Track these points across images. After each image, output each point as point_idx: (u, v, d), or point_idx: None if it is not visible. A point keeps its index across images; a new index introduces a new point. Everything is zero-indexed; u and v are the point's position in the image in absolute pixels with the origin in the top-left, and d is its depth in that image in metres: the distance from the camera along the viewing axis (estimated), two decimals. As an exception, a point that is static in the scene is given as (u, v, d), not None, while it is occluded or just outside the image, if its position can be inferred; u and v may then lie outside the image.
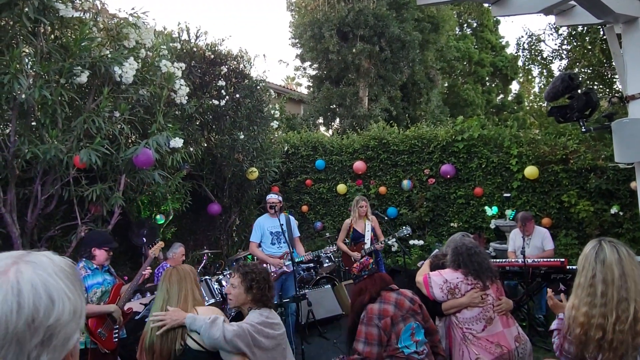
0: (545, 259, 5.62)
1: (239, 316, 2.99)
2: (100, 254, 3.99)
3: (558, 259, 5.49)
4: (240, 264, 2.95)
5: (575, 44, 11.53)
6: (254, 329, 2.53)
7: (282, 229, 5.53)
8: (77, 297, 0.84)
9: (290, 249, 5.65)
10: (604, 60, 10.77)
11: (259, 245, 5.77)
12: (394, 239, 6.31)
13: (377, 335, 2.81)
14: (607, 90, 11.43)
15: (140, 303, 5.01)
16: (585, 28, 10.47)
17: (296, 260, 5.55)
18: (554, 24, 11.78)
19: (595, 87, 11.71)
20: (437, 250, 4.68)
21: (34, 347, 0.75)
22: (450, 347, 3.26)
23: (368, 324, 2.84)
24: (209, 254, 6.99)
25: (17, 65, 3.98)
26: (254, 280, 2.76)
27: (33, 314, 0.76)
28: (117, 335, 3.93)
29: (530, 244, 6.05)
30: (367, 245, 6.13)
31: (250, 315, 2.70)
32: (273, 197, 5.78)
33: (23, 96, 4.11)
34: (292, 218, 5.98)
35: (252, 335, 2.51)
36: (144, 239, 6.35)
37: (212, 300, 5.61)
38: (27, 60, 4.22)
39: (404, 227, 6.21)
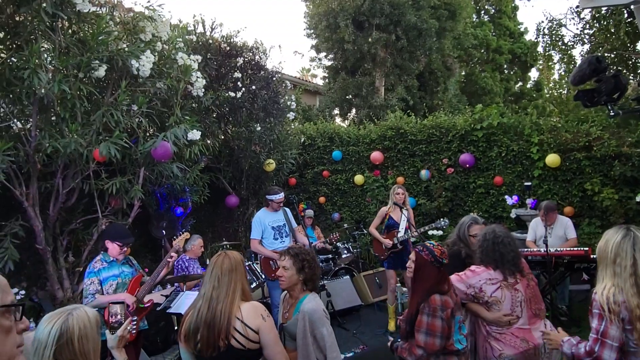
0: (568, 248, 5.52)
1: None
2: (113, 248, 3.99)
3: (582, 248, 5.38)
4: (288, 246, 3.03)
5: (598, 27, 11.20)
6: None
7: (286, 220, 5.60)
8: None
9: (307, 240, 5.63)
10: (628, 44, 10.46)
11: (260, 242, 5.61)
12: (429, 230, 6.25)
13: (441, 327, 2.70)
14: (632, 75, 11.11)
15: (161, 295, 5.06)
16: (610, 10, 10.17)
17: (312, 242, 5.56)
18: (577, 7, 11.47)
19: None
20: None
21: None
22: (474, 344, 3.20)
23: (433, 314, 2.71)
24: (228, 246, 7.03)
25: (37, 60, 4.01)
26: (305, 260, 2.87)
27: None
28: (135, 326, 3.95)
29: (553, 233, 5.94)
30: (401, 234, 6.06)
31: (311, 302, 2.83)
32: (281, 196, 5.65)
33: (43, 91, 4.16)
34: (288, 210, 5.90)
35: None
36: (164, 231, 6.41)
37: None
38: (46, 55, 4.25)
39: (441, 219, 6.10)
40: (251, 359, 2.46)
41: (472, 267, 3.22)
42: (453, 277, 3.20)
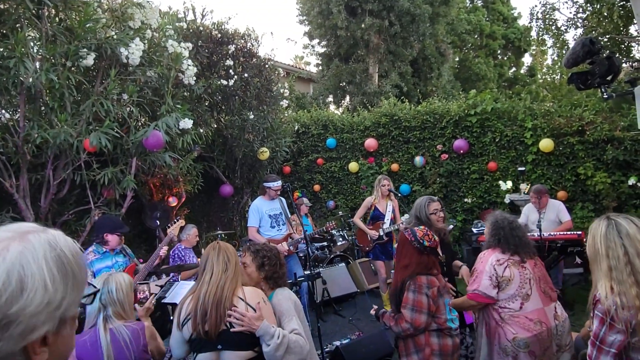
0: (562, 232, 5.55)
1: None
2: (113, 239, 4.03)
3: (575, 232, 5.42)
4: (249, 243, 2.97)
5: (591, 10, 11.17)
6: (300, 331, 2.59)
7: (283, 209, 5.55)
8: (60, 288, 0.78)
9: (301, 228, 5.62)
10: (622, 27, 10.44)
11: (258, 230, 5.59)
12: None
13: (427, 304, 2.80)
14: (625, 58, 11.11)
15: (156, 285, 5.04)
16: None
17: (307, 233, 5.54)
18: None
19: (612, 55, 11.34)
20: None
21: None
22: (486, 332, 3.20)
23: (418, 291, 2.82)
24: (223, 235, 7.01)
25: (23, 49, 3.94)
26: (265, 257, 2.80)
27: None
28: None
29: (545, 217, 5.95)
30: (387, 225, 6.02)
31: (278, 296, 2.73)
32: (278, 184, 5.62)
33: (30, 80, 4.09)
34: (283, 199, 5.87)
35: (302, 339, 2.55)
36: (158, 221, 6.37)
37: None
38: (32, 43, 4.18)
39: None
40: (252, 345, 2.46)
41: (480, 256, 3.26)
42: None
